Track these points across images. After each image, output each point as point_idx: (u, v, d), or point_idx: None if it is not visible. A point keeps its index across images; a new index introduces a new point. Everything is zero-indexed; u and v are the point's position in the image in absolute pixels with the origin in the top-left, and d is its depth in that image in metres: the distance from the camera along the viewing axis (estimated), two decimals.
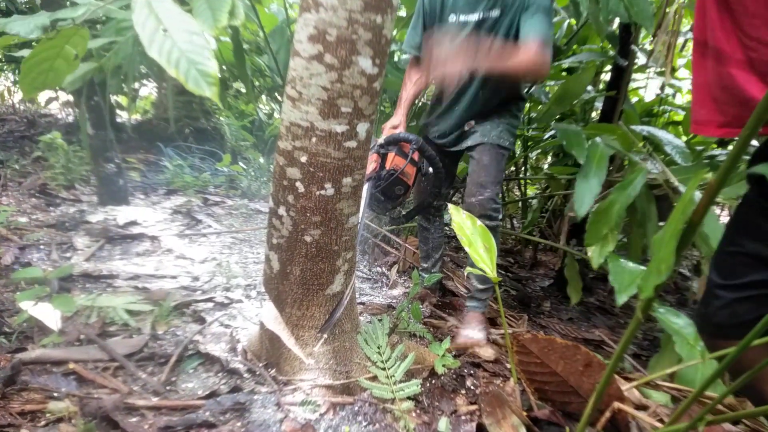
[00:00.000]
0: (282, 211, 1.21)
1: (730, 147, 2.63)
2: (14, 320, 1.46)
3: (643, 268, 1.68)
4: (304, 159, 1.13)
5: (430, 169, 1.94)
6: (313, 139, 1.10)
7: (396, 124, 1.98)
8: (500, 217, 1.94)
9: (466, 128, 2.01)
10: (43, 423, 1.08)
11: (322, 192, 1.16)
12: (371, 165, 1.83)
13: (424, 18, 1.98)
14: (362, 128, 1.13)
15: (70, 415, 1.10)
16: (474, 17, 1.81)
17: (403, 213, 2.07)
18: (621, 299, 1.60)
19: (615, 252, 1.81)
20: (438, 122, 2.07)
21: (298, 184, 1.16)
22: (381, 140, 1.86)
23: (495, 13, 1.78)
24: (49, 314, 1.43)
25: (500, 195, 1.90)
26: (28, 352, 1.31)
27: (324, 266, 1.26)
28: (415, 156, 1.86)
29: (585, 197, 1.89)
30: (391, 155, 1.84)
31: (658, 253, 0.66)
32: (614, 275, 1.66)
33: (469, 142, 1.97)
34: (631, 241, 2.19)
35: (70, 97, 5.14)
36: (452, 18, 1.85)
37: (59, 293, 1.61)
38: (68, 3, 2.64)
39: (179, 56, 0.99)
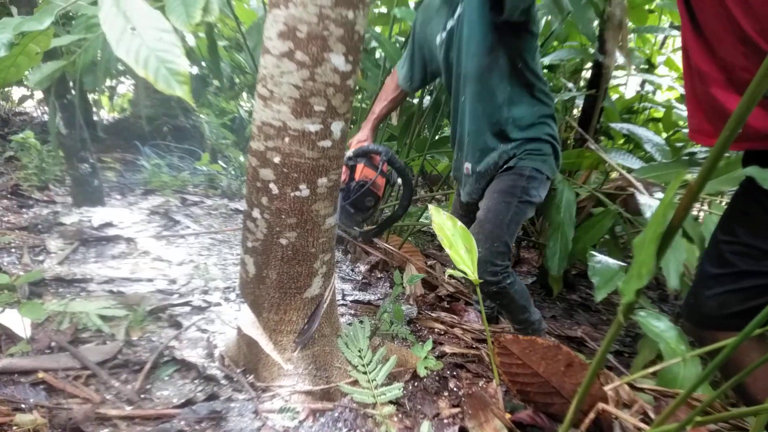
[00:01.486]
0: (256, 213, 1.18)
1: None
2: None
3: (622, 264, 1.69)
4: (277, 160, 1.10)
5: (399, 180, 1.88)
6: (286, 139, 1.07)
7: (362, 138, 1.93)
8: (506, 279, 1.67)
9: (465, 172, 1.87)
10: None
11: (297, 193, 1.13)
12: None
13: (416, 45, 1.96)
14: (337, 127, 1.10)
15: (37, 428, 1.05)
16: (449, 27, 1.76)
17: (374, 227, 1.98)
18: (600, 295, 1.61)
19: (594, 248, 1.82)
20: (453, 169, 1.99)
21: (271, 185, 1.13)
22: (350, 152, 1.82)
23: (459, 12, 1.71)
24: (17, 321, 1.38)
25: (504, 252, 1.66)
26: None
27: (301, 269, 1.23)
28: (385, 167, 1.80)
29: (556, 254, 1.92)
30: (360, 166, 1.80)
31: (638, 257, 0.65)
32: (593, 272, 1.67)
33: (472, 197, 1.87)
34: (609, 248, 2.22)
35: (44, 95, 5.02)
36: (438, 39, 1.82)
37: (29, 299, 1.56)
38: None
39: (148, 55, 0.95)
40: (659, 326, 0.72)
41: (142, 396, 1.25)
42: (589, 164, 2.42)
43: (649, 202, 1.69)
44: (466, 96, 1.76)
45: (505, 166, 1.75)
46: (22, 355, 1.32)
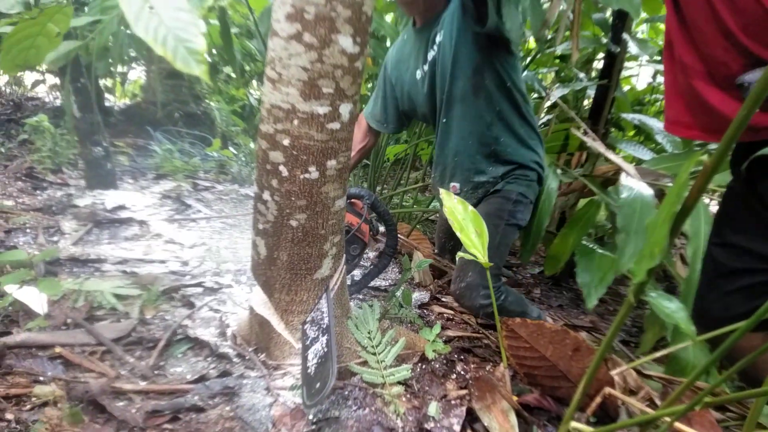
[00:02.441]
0: (266, 195, 1.19)
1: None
2: None
3: (612, 256, 1.67)
4: (286, 142, 1.11)
5: (382, 228, 1.81)
6: (295, 122, 1.08)
7: None
8: (498, 299, 1.70)
9: (451, 191, 1.80)
10: (28, 407, 1.07)
11: (306, 175, 1.14)
12: None
13: (388, 87, 1.97)
14: (345, 109, 1.11)
15: (56, 399, 1.08)
16: (430, 58, 1.76)
17: (354, 283, 1.86)
18: (591, 302, 1.59)
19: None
20: (433, 180, 1.98)
21: (281, 168, 1.14)
22: None
23: (438, 40, 1.72)
24: (34, 298, 1.41)
25: (495, 274, 1.70)
26: (13, 336, 1.29)
27: (311, 250, 1.24)
28: (367, 213, 1.73)
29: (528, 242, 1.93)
30: None
31: (651, 237, 0.66)
32: (582, 274, 1.64)
33: None
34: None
35: (58, 80, 5.06)
36: (418, 74, 1.83)
37: (45, 277, 1.59)
38: None
39: (166, 33, 0.96)
40: (670, 307, 0.73)
41: (156, 372, 1.27)
42: (576, 146, 2.42)
43: (631, 184, 1.67)
44: (451, 117, 1.78)
45: (492, 190, 1.80)
46: (39, 330, 1.36)
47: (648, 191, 1.45)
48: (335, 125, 1.11)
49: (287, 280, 1.28)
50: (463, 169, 1.82)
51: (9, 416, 1.02)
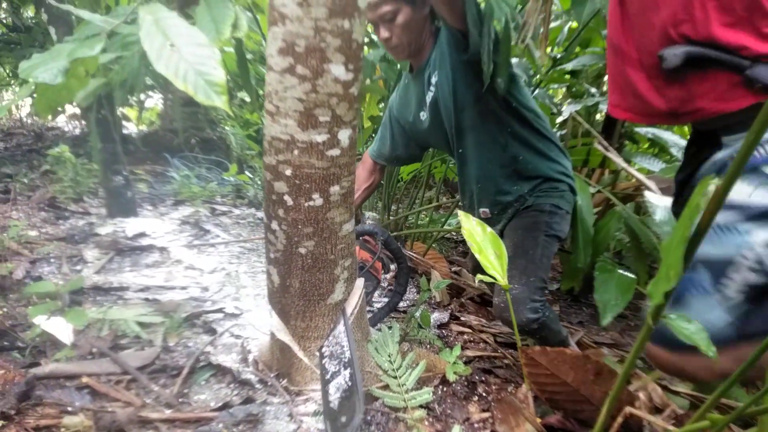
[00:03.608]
0: (275, 225, 1.21)
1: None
2: (27, 335, 1.47)
3: (631, 276, 1.65)
4: (288, 172, 1.13)
5: (393, 266, 1.79)
6: (295, 152, 1.10)
7: None
8: (544, 313, 1.63)
9: (482, 216, 1.86)
10: None
11: (311, 203, 1.16)
12: None
13: (396, 127, 2.00)
14: (344, 135, 1.13)
15: (85, 430, 1.10)
16: (430, 100, 1.78)
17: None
18: (605, 320, 1.58)
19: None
20: (464, 203, 1.98)
21: (286, 197, 1.16)
22: None
23: (434, 80, 1.74)
24: (61, 328, 1.44)
25: (541, 287, 1.65)
26: (41, 367, 1.32)
27: (322, 276, 1.26)
28: (380, 251, 1.72)
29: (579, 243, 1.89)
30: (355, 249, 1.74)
31: (666, 260, 0.66)
32: (600, 291, 1.62)
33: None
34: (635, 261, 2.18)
35: (77, 110, 5.20)
36: (422, 116, 1.86)
37: (71, 307, 1.62)
38: (73, 17, 2.67)
39: (187, 69, 1.00)
40: (689, 329, 0.73)
41: (181, 400, 1.29)
42: (598, 162, 2.42)
43: (657, 202, 1.67)
44: (465, 147, 1.79)
45: (523, 207, 1.77)
46: (66, 361, 1.38)
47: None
48: (335, 152, 1.13)
49: (301, 307, 1.29)
50: (488, 194, 1.82)
51: None
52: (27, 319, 1.55)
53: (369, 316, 1.78)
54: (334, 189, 1.17)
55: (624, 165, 1.82)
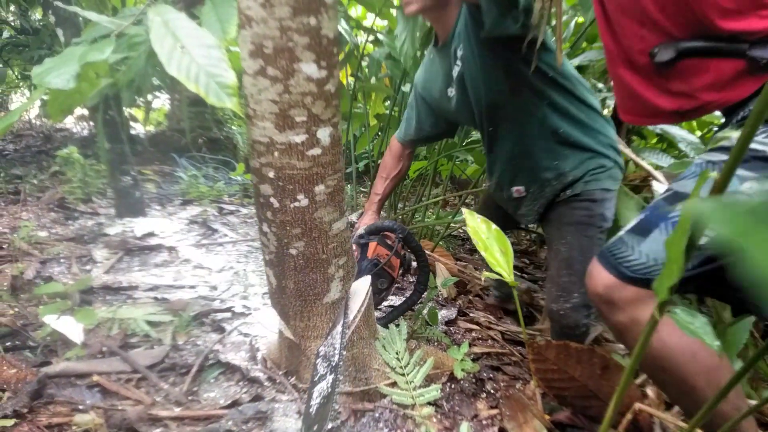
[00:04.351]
0: (265, 228, 1.21)
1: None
2: (38, 334, 1.49)
3: None
4: (272, 174, 1.13)
5: (414, 264, 1.76)
6: (276, 153, 1.10)
7: (369, 223, 1.83)
8: (591, 322, 1.59)
9: (515, 195, 1.73)
10: None
11: (296, 204, 1.15)
12: None
13: (422, 107, 1.90)
14: (323, 134, 1.12)
15: (96, 428, 1.12)
16: (456, 74, 1.66)
17: (382, 316, 1.77)
18: None
19: None
20: (492, 187, 1.85)
21: (272, 199, 1.16)
22: (361, 230, 1.71)
23: (460, 54, 1.61)
24: (71, 327, 1.46)
25: None
26: (52, 366, 1.34)
27: (315, 276, 1.25)
28: (399, 247, 1.69)
29: None
30: (372, 245, 1.68)
31: (669, 255, 0.66)
32: None
33: (524, 220, 1.75)
34: None
35: (85, 112, 5.24)
36: (450, 92, 1.74)
37: (81, 306, 1.64)
38: (81, 19, 2.69)
39: (198, 71, 0.99)
40: (694, 323, 0.73)
41: (190, 398, 1.30)
42: None
43: (658, 191, 1.63)
44: (498, 124, 1.67)
45: (570, 193, 1.63)
46: (77, 360, 1.40)
47: None
48: (316, 151, 1.12)
49: (298, 308, 1.29)
50: (524, 170, 1.69)
51: None
52: (38, 319, 1.57)
53: (383, 314, 1.79)
54: (319, 188, 1.16)
55: (632, 155, 1.79)
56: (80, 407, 1.21)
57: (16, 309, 1.66)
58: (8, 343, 1.45)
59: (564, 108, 1.60)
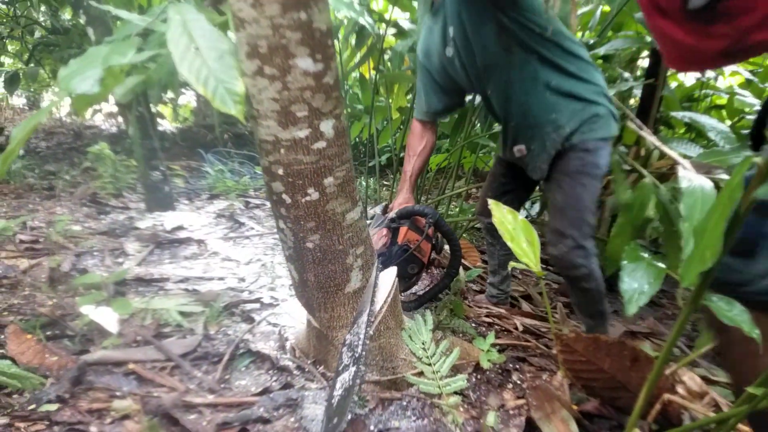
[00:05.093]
0: (281, 224, 1.23)
1: None
2: (76, 324, 1.54)
3: (661, 265, 1.56)
4: (281, 171, 1.14)
5: (446, 247, 1.76)
6: (282, 151, 1.11)
7: (404, 203, 1.85)
8: (591, 264, 1.65)
9: (517, 154, 1.79)
10: (109, 420, 1.14)
11: (308, 198, 1.17)
12: (380, 240, 1.67)
13: (426, 77, 1.91)
14: (326, 126, 1.12)
15: (133, 413, 1.16)
16: (451, 34, 1.69)
17: (412, 300, 1.80)
18: (631, 309, 1.47)
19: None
20: (499, 147, 1.91)
21: (284, 196, 1.17)
22: (392, 214, 1.70)
23: (451, 14, 1.65)
24: (108, 317, 1.51)
25: (590, 234, 1.64)
26: (91, 354, 1.39)
27: (334, 267, 1.27)
28: (430, 231, 1.69)
29: None
30: (403, 230, 1.68)
31: (701, 240, 0.65)
32: (626, 280, 1.52)
33: (535, 175, 1.77)
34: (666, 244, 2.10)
35: (114, 109, 5.35)
36: (449, 52, 1.75)
37: (116, 297, 1.69)
38: (110, 18, 2.75)
39: (208, 75, 0.99)
40: (732, 311, 0.73)
41: (222, 385, 1.33)
42: (633, 139, 2.36)
43: (690, 177, 1.58)
44: (493, 84, 1.70)
45: (568, 145, 1.66)
46: (113, 348, 1.44)
47: (708, 183, 1.40)
48: (321, 144, 1.12)
49: (321, 299, 1.32)
50: (523, 128, 1.73)
51: (93, 429, 1.10)
52: (75, 309, 1.62)
53: (413, 298, 1.81)
54: (328, 181, 1.17)
55: (657, 142, 1.76)
56: (118, 394, 1.25)
57: (55, 300, 1.72)
58: (48, 332, 1.51)
59: (554, 61, 1.64)
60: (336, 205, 1.21)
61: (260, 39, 0.99)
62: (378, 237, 1.67)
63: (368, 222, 1.77)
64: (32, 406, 1.15)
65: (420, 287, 2.18)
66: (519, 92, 1.67)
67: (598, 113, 1.64)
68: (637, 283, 1.55)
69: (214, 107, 1.01)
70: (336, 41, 3.16)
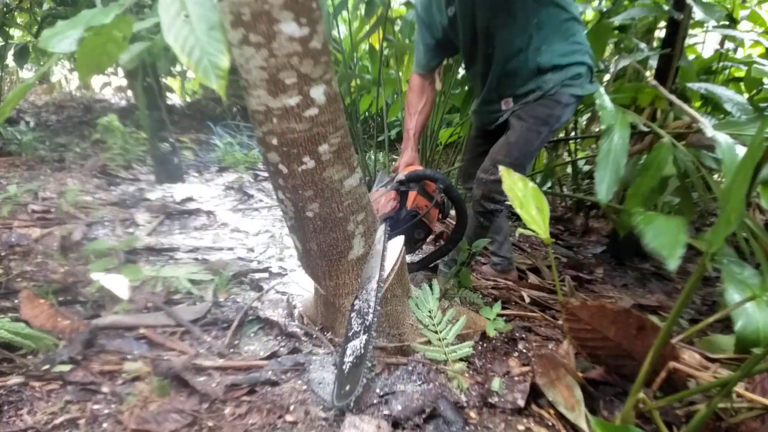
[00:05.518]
0: (281, 195, 1.23)
1: None
2: (88, 290, 1.56)
3: (678, 218, 1.51)
4: (275, 141, 1.12)
5: (452, 212, 1.75)
6: (274, 120, 1.09)
7: (410, 161, 1.86)
8: (505, 207, 1.78)
9: (504, 107, 1.85)
10: (120, 381, 1.17)
11: (304, 167, 1.15)
12: (389, 204, 1.65)
13: (425, 32, 1.93)
14: (317, 92, 1.09)
15: (144, 375, 1.18)
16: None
17: (414, 263, 1.82)
18: (674, 262, 1.42)
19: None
20: (477, 105, 1.96)
21: (280, 166, 1.16)
22: (401, 176, 1.67)
23: None
24: (118, 284, 1.53)
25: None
26: (102, 318, 1.41)
27: (336, 235, 1.27)
28: (439, 198, 1.68)
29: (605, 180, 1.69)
30: (412, 194, 1.66)
31: (727, 204, 0.64)
32: (652, 239, 1.48)
33: (504, 117, 1.84)
34: (682, 205, 2.07)
35: (123, 82, 5.35)
36: (450, 12, 1.79)
37: (126, 264, 1.71)
38: None
39: (194, 44, 0.96)
40: (743, 273, 0.72)
41: (231, 350, 1.35)
42: (648, 100, 2.31)
43: (718, 137, 1.53)
44: (495, 45, 1.75)
45: (541, 94, 1.74)
46: (124, 314, 1.47)
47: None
48: (312, 111, 1.10)
49: (325, 268, 1.32)
50: (514, 85, 1.79)
51: (105, 389, 1.12)
52: (86, 276, 1.64)
53: (417, 259, 1.83)
54: (323, 148, 1.15)
55: (677, 101, 1.73)
56: (129, 357, 1.27)
57: (67, 267, 1.75)
58: (61, 298, 1.54)
59: (551, 23, 1.71)
60: (333, 173, 1.19)
61: (243, 6, 0.96)
62: (386, 200, 1.66)
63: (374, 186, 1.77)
64: (46, 367, 1.17)
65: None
66: (517, 50, 1.73)
67: (580, 73, 1.74)
68: (664, 237, 1.49)
69: (197, 79, 0.98)
70: (345, 11, 3.12)
